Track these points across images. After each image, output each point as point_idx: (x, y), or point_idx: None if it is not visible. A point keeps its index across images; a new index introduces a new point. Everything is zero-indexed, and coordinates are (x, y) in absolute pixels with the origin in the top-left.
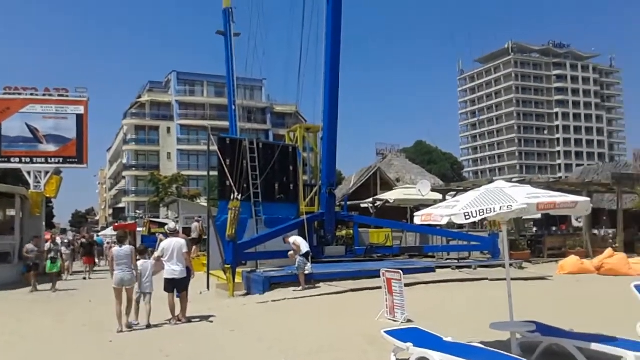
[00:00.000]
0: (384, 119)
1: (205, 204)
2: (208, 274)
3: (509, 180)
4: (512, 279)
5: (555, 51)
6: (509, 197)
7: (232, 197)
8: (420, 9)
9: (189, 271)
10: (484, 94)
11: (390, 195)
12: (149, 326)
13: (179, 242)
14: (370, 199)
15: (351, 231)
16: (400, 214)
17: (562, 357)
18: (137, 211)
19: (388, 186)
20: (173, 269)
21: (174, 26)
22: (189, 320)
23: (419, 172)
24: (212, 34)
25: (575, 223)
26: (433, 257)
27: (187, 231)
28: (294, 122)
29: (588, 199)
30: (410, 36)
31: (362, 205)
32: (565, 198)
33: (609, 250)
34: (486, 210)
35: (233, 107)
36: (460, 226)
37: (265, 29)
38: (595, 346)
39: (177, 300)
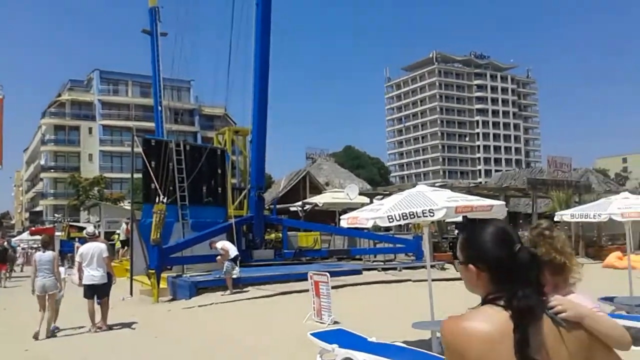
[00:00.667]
0: (315, 124)
1: (129, 207)
2: (131, 279)
3: (432, 185)
4: (434, 280)
5: (476, 62)
6: (430, 201)
7: (157, 200)
8: (351, 15)
9: (110, 276)
10: (409, 101)
11: (319, 199)
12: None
13: (99, 246)
14: (300, 203)
15: (280, 234)
16: (328, 218)
17: None
18: (56, 215)
19: (317, 190)
20: (93, 275)
21: (98, 23)
22: (110, 327)
23: (347, 177)
24: (138, 31)
25: None
26: (360, 259)
27: (109, 235)
28: (223, 124)
29: (503, 202)
30: (343, 41)
31: (292, 209)
32: (481, 202)
33: None
34: (409, 214)
35: (159, 108)
36: (387, 229)
37: (193, 29)
38: None
39: (97, 307)
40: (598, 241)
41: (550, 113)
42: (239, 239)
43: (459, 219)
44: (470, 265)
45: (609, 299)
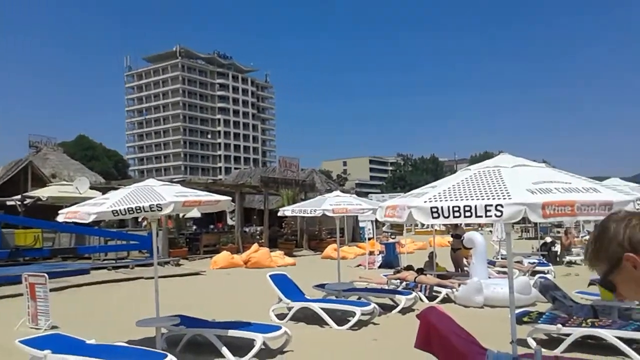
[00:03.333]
0: (42, 109)
1: None
2: None
3: (171, 180)
4: (168, 276)
5: (219, 61)
6: (158, 195)
7: None
8: None
9: None
10: (151, 93)
11: (43, 192)
12: None
13: None
14: (19, 196)
15: None
16: (54, 213)
17: (205, 346)
18: None
19: (42, 182)
20: None
21: None
22: None
23: (78, 169)
24: None
25: (230, 221)
26: (89, 258)
27: None
28: None
29: (229, 198)
30: (78, 18)
31: (9, 203)
32: (209, 197)
33: (255, 246)
34: (135, 208)
35: None
36: (122, 224)
37: None
38: (232, 332)
39: None
40: (319, 235)
41: (284, 118)
42: None
43: (199, 215)
44: None
45: (321, 286)
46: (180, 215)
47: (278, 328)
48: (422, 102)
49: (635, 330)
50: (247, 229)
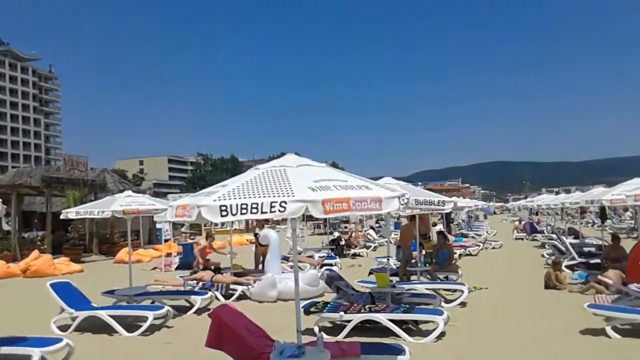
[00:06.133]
0: None
1: None
2: None
3: None
4: None
5: None
6: None
7: None
8: None
9: None
10: None
11: None
12: None
13: None
14: None
15: None
16: None
17: None
18: None
19: None
20: None
21: None
22: None
23: None
24: None
25: (5, 226)
26: None
27: None
28: None
29: (0, 200)
30: None
31: None
32: None
33: (35, 252)
34: None
35: None
36: None
37: None
38: (4, 349)
39: None
40: (111, 238)
41: (71, 112)
42: None
43: None
44: None
45: (111, 292)
46: None
47: (59, 340)
48: (223, 101)
49: (404, 312)
50: (26, 235)
